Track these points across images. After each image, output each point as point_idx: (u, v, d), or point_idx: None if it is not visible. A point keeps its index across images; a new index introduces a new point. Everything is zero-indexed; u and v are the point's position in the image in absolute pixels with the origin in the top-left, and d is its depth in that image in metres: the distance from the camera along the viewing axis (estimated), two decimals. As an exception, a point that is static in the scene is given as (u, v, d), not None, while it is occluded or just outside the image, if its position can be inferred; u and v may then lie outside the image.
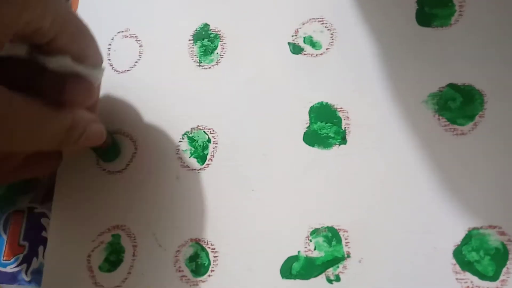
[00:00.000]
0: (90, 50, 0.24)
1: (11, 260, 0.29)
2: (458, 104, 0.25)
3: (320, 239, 0.24)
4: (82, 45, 0.23)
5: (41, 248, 0.29)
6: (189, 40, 0.31)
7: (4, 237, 0.30)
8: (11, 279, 0.29)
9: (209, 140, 0.28)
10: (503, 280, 0.21)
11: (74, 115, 0.23)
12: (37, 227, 0.30)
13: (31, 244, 0.29)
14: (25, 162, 0.26)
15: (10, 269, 0.29)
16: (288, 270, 0.24)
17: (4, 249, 0.30)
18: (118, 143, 0.29)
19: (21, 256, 0.29)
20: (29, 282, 0.28)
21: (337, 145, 0.26)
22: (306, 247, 0.24)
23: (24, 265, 0.29)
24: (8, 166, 0.26)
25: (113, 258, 0.27)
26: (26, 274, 0.28)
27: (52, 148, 0.24)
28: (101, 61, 0.26)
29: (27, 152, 0.25)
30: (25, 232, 0.30)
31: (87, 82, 0.24)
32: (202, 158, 0.28)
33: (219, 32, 0.30)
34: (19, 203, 0.30)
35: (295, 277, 0.24)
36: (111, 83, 0.31)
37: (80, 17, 0.24)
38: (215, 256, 0.25)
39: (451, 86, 0.25)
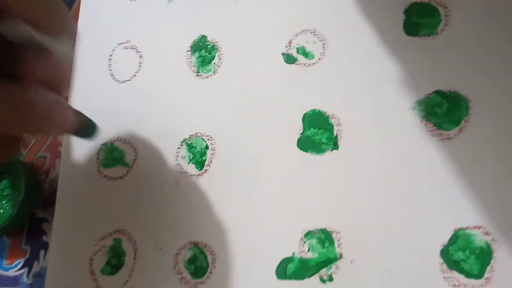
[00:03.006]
0: (52, 16, 0.20)
1: (13, 264, 0.30)
2: (444, 110, 0.26)
3: (314, 241, 0.25)
4: (42, 9, 0.19)
5: (42, 252, 0.30)
6: (187, 51, 0.32)
7: (7, 242, 0.31)
8: (13, 283, 0.29)
9: (207, 147, 0.29)
10: (487, 278, 0.22)
11: (33, 93, 0.20)
12: (38, 231, 0.30)
13: (33, 248, 0.30)
14: None
15: (12, 272, 0.30)
16: (283, 271, 0.25)
17: (6, 253, 0.31)
18: (94, 125, 0.27)
19: (22, 260, 0.30)
20: (31, 285, 0.29)
21: (329, 151, 0.27)
22: (300, 249, 0.25)
23: (26, 269, 0.30)
24: None
25: (115, 262, 0.28)
26: (27, 277, 0.29)
27: (7, 131, 0.20)
28: (69, 32, 0.22)
29: None
30: (26, 237, 0.31)
31: (49, 53, 0.20)
32: (200, 164, 0.29)
33: (216, 43, 0.32)
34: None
35: (290, 277, 0.25)
36: (112, 92, 0.32)
37: None
38: (213, 259, 0.26)
39: (438, 92, 0.26)
